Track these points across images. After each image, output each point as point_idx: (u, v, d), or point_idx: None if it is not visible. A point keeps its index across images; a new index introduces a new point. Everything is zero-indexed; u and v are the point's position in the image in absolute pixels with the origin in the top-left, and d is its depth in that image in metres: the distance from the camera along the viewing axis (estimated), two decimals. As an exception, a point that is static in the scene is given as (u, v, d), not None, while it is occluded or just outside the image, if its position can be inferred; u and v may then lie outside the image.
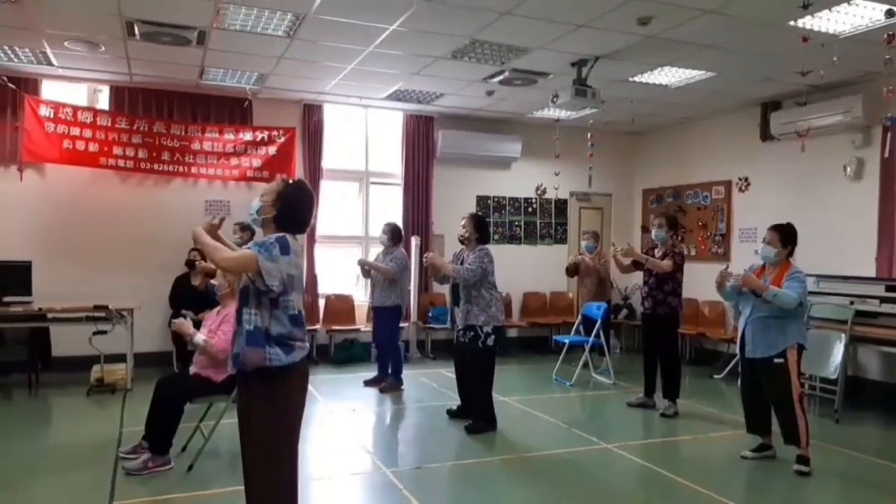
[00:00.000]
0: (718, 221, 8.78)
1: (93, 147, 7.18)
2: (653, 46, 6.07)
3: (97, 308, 6.46)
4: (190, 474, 4.27)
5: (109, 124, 7.27)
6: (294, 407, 2.93)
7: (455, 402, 5.88)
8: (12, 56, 6.61)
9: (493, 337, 5.29)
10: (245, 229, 6.60)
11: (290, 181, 3.07)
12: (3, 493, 4.00)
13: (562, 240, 10.00)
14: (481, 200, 9.48)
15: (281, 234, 2.86)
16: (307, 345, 3.00)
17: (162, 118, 7.63)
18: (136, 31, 5.84)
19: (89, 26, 5.82)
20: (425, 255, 5.71)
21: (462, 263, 5.44)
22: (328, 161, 8.61)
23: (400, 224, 7.51)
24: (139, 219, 7.71)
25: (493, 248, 5.54)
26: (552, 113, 8.62)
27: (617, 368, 7.53)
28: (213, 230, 3.06)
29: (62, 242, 7.37)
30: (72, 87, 7.62)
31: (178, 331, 4.53)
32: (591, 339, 7.26)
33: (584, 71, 6.65)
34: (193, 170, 7.68)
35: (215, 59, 6.68)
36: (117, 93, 7.66)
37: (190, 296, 7.15)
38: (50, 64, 6.87)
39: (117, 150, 7.30)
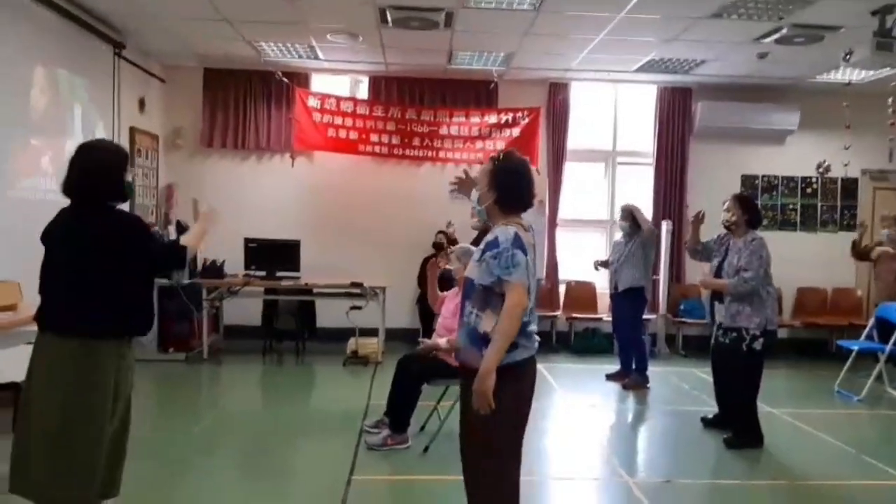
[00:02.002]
0: None
1: (353, 135, 7.66)
2: None
3: (353, 285, 6.92)
4: (426, 455, 4.26)
5: (367, 112, 7.70)
6: (514, 405, 2.63)
7: (710, 408, 5.17)
8: (286, 52, 7.26)
9: (761, 340, 4.50)
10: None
11: (498, 157, 2.79)
12: (261, 456, 4.37)
13: (849, 226, 8.43)
14: (747, 180, 8.37)
15: (512, 233, 2.57)
16: (535, 343, 2.69)
17: (414, 105, 7.88)
18: (389, 18, 6.00)
19: (347, 17, 6.10)
20: (699, 281, 5.05)
21: (727, 253, 4.72)
22: (573, 141, 8.23)
23: (650, 207, 6.90)
24: (392, 202, 8.08)
25: (761, 236, 4.72)
26: (840, 76, 7.26)
27: (924, 386, 6.12)
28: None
29: (325, 223, 7.97)
30: (336, 80, 8.23)
31: (424, 352, 4.45)
32: (889, 346, 5.96)
33: (890, 20, 5.39)
34: (441, 154, 7.83)
35: (462, 41, 6.66)
36: (375, 82, 8.09)
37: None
38: (317, 58, 7.44)
39: (374, 137, 7.70)
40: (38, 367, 2.73)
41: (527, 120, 7.78)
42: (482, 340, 2.56)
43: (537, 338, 2.74)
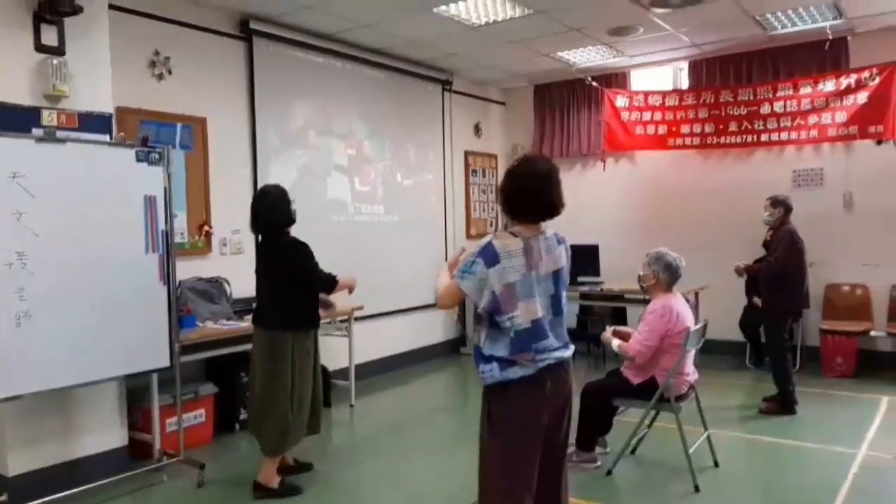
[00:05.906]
0: None
1: (661, 129, 7.16)
2: None
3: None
4: (608, 479, 3.98)
5: (677, 103, 7.10)
6: (512, 429, 2.52)
7: None
8: (592, 57, 7.23)
9: None
10: (777, 204, 5.29)
11: (516, 160, 2.68)
12: (430, 459, 4.59)
13: None
14: None
15: (487, 243, 2.52)
16: (541, 363, 2.50)
17: (728, 86, 6.94)
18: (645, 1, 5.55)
19: (605, 13, 5.84)
20: None
21: None
22: (970, 98, 6.01)
23: None
24: (719, 197, 7.26)
25: None
26: None
27: None
28: (456, 263, 2.77)
29: (635, 225, 7.69)
30: (657, 72, 7.81)
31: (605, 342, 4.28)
32: None
33: None
34: (763, 137, 6.66)
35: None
36: (695, 67, 7.40)
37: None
38: (623, 55, 7.21)
39: (684, 129, 7.04)
40: (253, 350, 3.93)
41: (877, 80, 6.01)
42: (482, 356, 2.57)
43: (550, 357, 2.53)
